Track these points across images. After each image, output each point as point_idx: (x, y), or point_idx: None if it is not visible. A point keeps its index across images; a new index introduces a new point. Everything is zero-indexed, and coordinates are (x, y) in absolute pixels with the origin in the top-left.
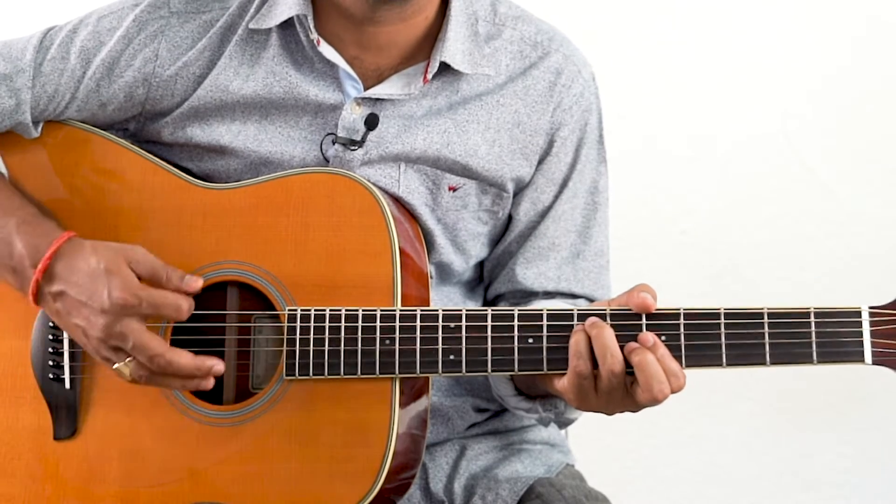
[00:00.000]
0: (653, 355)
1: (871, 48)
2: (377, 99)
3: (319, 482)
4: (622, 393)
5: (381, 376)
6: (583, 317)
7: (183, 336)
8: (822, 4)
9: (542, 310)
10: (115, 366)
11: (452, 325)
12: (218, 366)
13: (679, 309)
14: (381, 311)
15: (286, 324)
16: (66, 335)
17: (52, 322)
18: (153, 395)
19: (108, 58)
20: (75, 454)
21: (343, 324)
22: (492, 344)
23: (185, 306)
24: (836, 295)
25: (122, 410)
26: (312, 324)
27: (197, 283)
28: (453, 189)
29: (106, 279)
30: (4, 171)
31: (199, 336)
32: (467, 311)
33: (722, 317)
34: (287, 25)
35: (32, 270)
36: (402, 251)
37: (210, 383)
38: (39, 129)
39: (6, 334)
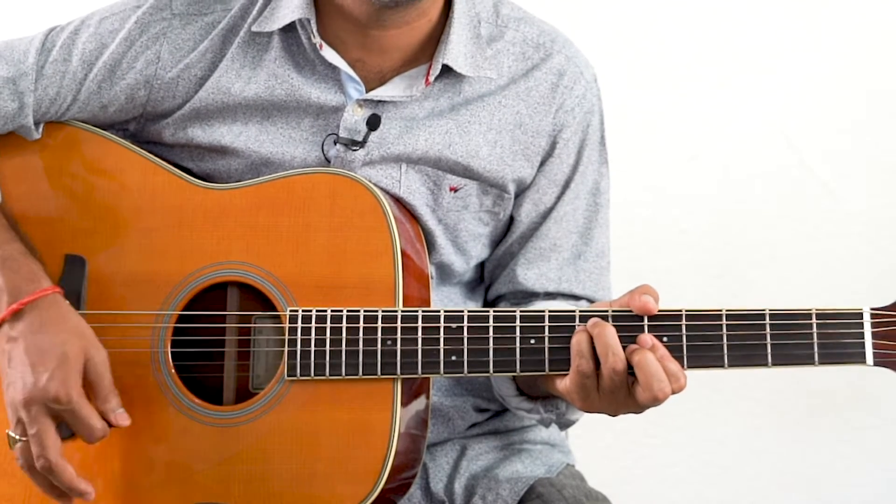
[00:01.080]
0: (652, 355)
1: (871, 48)
2: (379, 101)
3: (320, 483)
4: (624, 393)
5: (382, 377)
6: (584, 318)
7: (184, 336)
8: (822, 4)
9: (543, 311)
10: (9, 432)
11: (454, 325)
12: (89, 495)
13: (681, 310)
14: (383, 311)
15: (287, 324)
16: None
17: None
18: (154, 395)
19: (109, 60)
20: (75, 454)
21: (344, 324)
22: (493, 345)
23: (99, 435)
24: (836, 295)
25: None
26: (313, 324)
27: (125, 422)
28: (454, 190)
29: (55, 363)
30: None
31: (200, 336)
32: (469, 311)
33: (724, 318)
34: (289, 28)
35: (6, 307)
36: (403, 252)
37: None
38: (40, 130)
39: None
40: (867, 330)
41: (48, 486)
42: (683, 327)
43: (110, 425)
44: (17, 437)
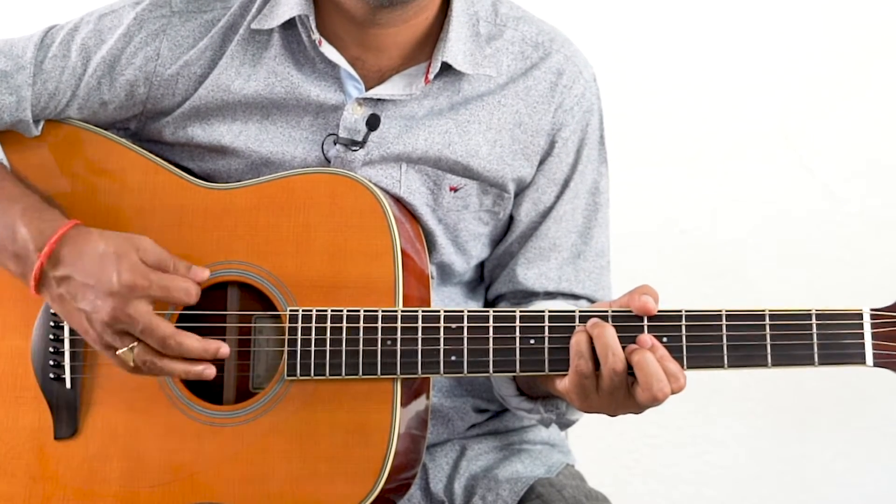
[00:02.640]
0: (652, 355)
1: (871, 48)
2: (378, 99)
3: (320, 482)
4: (624, 393)
5: (382, 377)
6: (584, 318)
7: None
8: (822, 4)
9: (543, 311)
10: (119, 351)
11: (454, 325)
12: (224, 348)
13: (681, 310)
14: (383, 311)
15: (287, 324)
16: (66, 335)
17: (53, 321)
18: (154, 394)
19: (108, 55)
20: (76, 454)
21: (344, 324)
22: (493, 345)
23: (195, 290)
24: (836, 295)
25: (123, 410)
26: (314, 324)
27: (204, 274)
28: (454, 189)
29: (115, 262)
30: (6, 163)
31: (200, 336)
32: (469, 311)
33: (724, 318)
34: (289, 25)
35: (37, 255)
36: (403, 252)
37: (212, 372)
38: (40, 127)
39: (7, 334)
40: (867, 330)
41: (184, 368)
42: (683, 327)
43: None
44: (129, 347)
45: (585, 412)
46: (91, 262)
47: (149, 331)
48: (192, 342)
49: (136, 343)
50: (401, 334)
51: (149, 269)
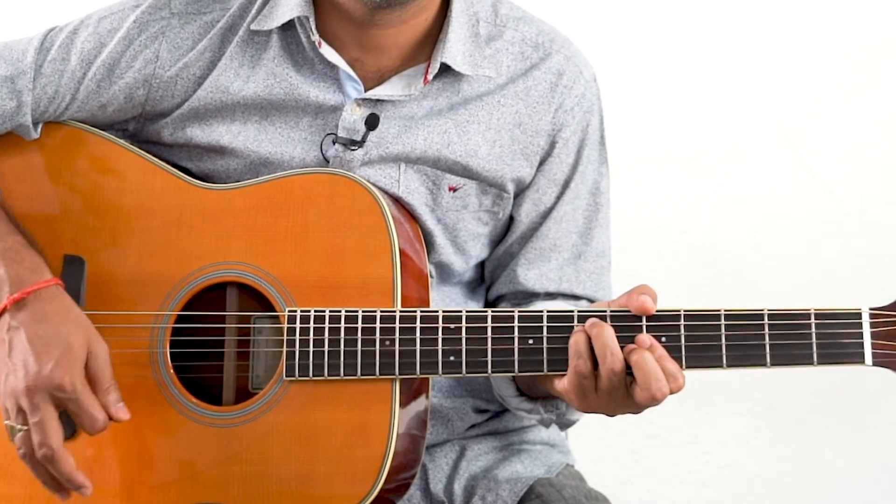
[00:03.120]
0: (650, 355)
1: (871, 48)
2: (377, 100)
3: (319, 483)
4: (623, 393)
5: (380, 377)
6: (583, 318)
7: (183, 337)
8: (822, 4)
9: (542, 311)
10: (7, 423)
11: (452, 326)
12: (86, 490)
13: (679, 310)
14: (381, 312)
15: (286, 325)
16: None
17: None
18: (153, 395)
19: (108, 59)
20: (75, 454)
21: (343, 325)
22: (492, 345)
23: (101, 426)
24: (836, 295)
25: None
26: (312, 325)
27: (125, 416)
28: (453, 189)
29: (59, 351)
30: None
31: (199, 336)
32: (467, 312)
33: (722, 318)
34: (288, 27)
35: (7, 296)
36: (401, 252)
37: (67, 497)
38: (39, 130)
39: None
40: (866, 330)
41: (47, 477)
42: (682, 327)
43: (110, 419)
44: (19, 426)
45: (584, 412)
46: (44, 333)
47: (39, 429)
48: (64, 465)
49: (26, 428)
50: (399, 335)
51: (82, 380)
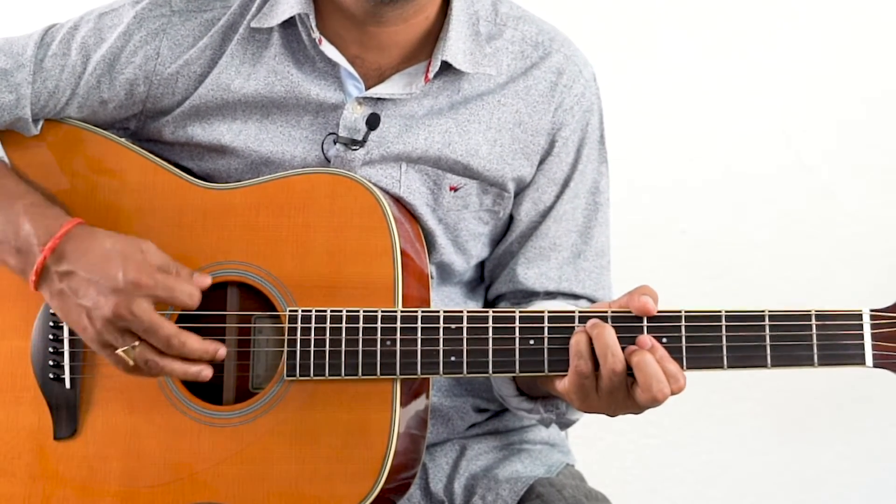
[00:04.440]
0: (651, 356)
1: (871, 48)
2: (378, 98)
3: (320, 482)
4: (623, 394)
5: (381, 377)
6: (584, 319)
7: None
8: (822, 5)
9: (543, 311)
10: (119, 350)
11: (453, 326)
12: (222, 350)
13: (680, 311)
14: (382, 312)
15: (287, 324)
16: (66, 335)
17: (53, 321)
18: (153, 395)
19: (108, 54)
20: (75, 454)
21: (344, 325)
22: (493, 345)
23: (198, 295)
24: (836, 295)
25: (123, 410)
26: (313, 324)
27: (206, 280)
28: (454, 189)
29: (120, 260)
30: (7, 160)
31: (200, 336)
32: (468, 312)
33: (723, 319)
34: (288, 24)
35: (40, 249)
36: (402, 252)
37: (209, 373)
38: (39, 126)
39: (6, 334)
40: (867, 331)
41: (183, 370)
42: (683, 328)
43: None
44: (131, 346)
45: (585, 412)
46: (96, 258)
47: (152, 329)
48: (194, 342)
49: (137, 342)
50: (400, 335)
51: (155, 268)
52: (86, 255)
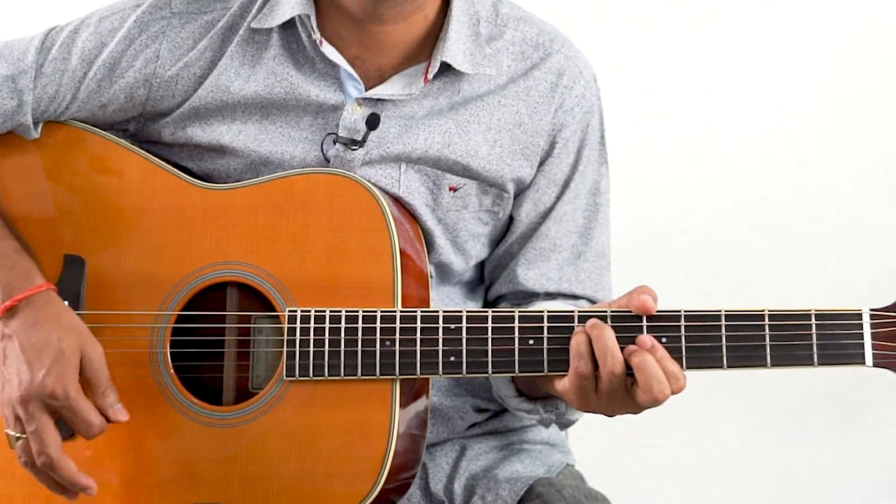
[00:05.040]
0: (652, 356)
1: (871, 48)
2: (378, 99)
3: (320, 483)
4: (623, 394)
5: (381, 377)
6: (583, 319)
7: (183, 337)
8: (822, 5)
9: (542, 311)
10: (8, 431)
11: (453, 326)
12: (91, 490)
13: (680, 311)
14: (382, 312)
15: (286, 324)
16: None
17: None
18: (153, 395)
19: (109, 59)
20: (75, 454)
21: (343, 325)
22: (492, 345)
23: (97, 431)
24: (836, 295)
25: None
26: (312, 325)
27: (123, 417)
28: (454, 189)
29: (52, 359)
30: None
31: (199, 336)
32: (468, 312)
33: (723, 319)
34: (288, 25)
35: None
36: (402, 252)
37: (74, 498)
38: (39, 129)
39: None
40: (866, 331)
41: (51, 482)
42: (682, 328)
43: (109, 421)
44: (17, 434)
45: (584, 412)
46: (35, 341)
47: (36, 437)
48: (66, 470)
49: (25, 436)
50: (399, 335)
51: (75, 387)
52: (30, 331)
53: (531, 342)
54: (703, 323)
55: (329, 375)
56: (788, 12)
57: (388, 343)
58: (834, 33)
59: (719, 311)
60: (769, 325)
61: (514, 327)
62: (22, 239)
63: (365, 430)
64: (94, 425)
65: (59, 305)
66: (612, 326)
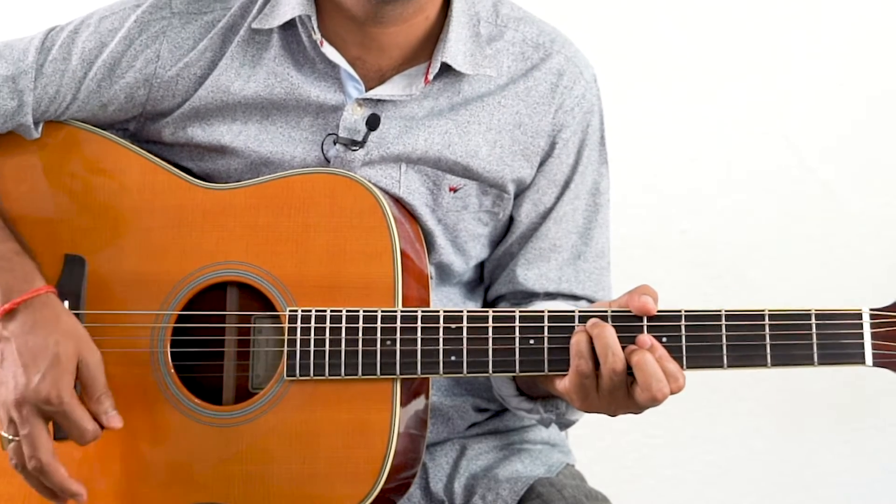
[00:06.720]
0: (651, 356)
1: (871, 48)
2: (378, 100)
3: (320, 482)
4: (623, 393)
5: (381, 377)
6: (584, 318)
7: (183, 336)
8: (822, 5)
9: (542, 311)
10: (1, 433)
11: (453, 326)
12: (81, 497)
13: (680, 310)
14: (382, 311)
15: (286, 324)
16: None
17: None
18: (154, 395)
19: (109, 59)
20: (75, 454)
21: (343, 325)
22: (493, 345)
23: (90, 437)
24: (836, 295)
25: (123, 410)
26: (313, 324)
27: (117, 424)
28: (454, 190)
29: (47, 364)
30: None
31: (199, 336)
32: (468, 312)
33: (723, 318)
34: (289, 26)
35: None
36: (402, 252)
37: (64, 503)
38: (40, 129)
39: None
40: (866, 330)
41: (41, 486)
42: (682, 328)
43: (102, 427)
44: (10, 437)
45: (585, 412)
46: (33, 344)
47: (28, 441)
48: (56, 475)
49: (18, 438)
50: (400, 335)
51: (70, 393)
52: (28, 334)
53: (532, 342)
54: (703, 323)
55: (329, 375)
56: (789, 13)
57: (388, 343)
58: (834, 33)
59: (719, 311)
60: (769, 325)
61: (514, 327)
62: (22, 240)
63: (365, 429)
64: (87, 431)
65: (58, 309)
66: (612, 326)
